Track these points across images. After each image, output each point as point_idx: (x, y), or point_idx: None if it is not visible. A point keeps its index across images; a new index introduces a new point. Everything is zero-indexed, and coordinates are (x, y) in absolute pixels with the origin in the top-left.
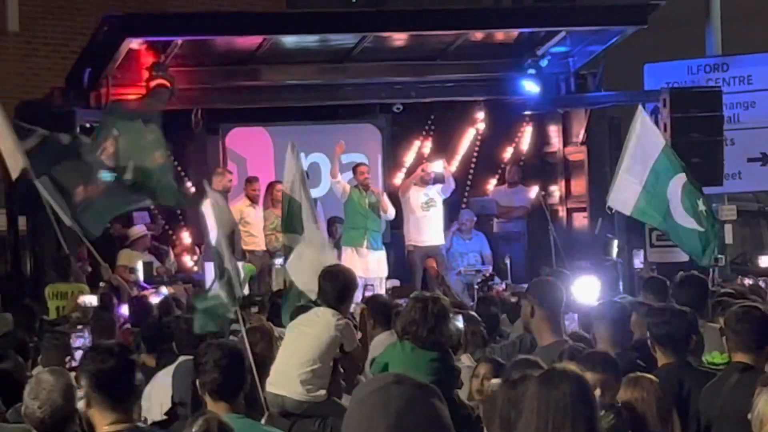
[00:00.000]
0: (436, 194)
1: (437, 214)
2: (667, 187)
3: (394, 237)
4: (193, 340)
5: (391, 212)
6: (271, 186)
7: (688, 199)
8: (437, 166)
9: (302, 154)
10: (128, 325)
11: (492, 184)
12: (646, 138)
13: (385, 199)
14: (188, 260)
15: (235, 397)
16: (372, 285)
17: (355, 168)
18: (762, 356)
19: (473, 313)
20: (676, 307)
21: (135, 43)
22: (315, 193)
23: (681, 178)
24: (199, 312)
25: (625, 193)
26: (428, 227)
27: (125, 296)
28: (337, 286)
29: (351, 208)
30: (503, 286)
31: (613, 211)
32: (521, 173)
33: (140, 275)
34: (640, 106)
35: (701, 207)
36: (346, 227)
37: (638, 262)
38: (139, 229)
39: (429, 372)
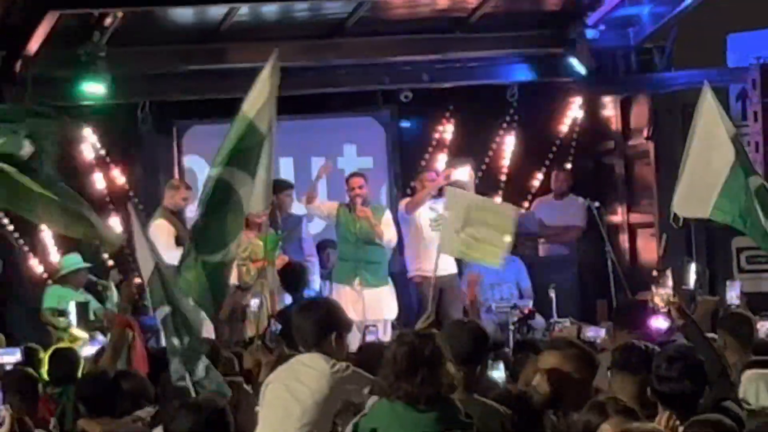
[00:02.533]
0: (444, 209)
1: None
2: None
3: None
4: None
5: (388, 237)
6: None
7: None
8: (463, 173)
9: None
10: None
11: (530, 192)
12: (713, 125)
13: (385, 218)
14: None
15: None
16: (374, 327)
17: (347, 180)
18: None
19: None
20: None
21: (60, 17)
22: (300, 209)
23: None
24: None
25: (698, 194)
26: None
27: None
28: (315, 319)
29: (340, 234)
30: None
31: (681, 222)
32: (572, 180)
33: (72, 319)
34: (705, 86)
35: None
36: (338, 258)
37: (734, 295)
38: (72, 260)
39: None
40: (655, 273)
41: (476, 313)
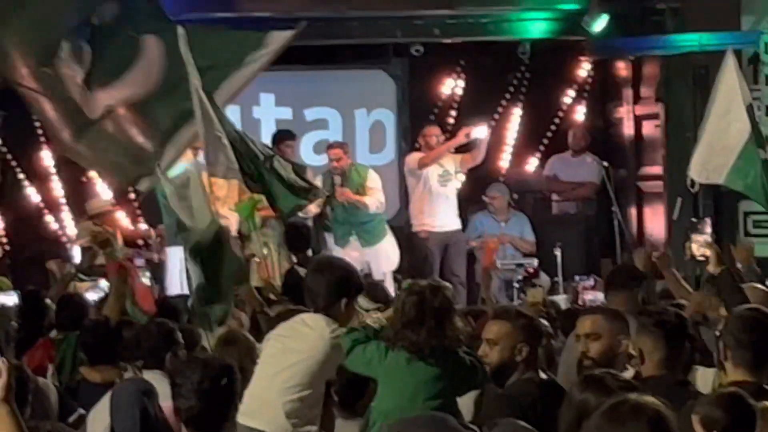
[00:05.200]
0: (452, 165)
1: (454, 191)
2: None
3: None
4: (160, 351)
5: (375, 205)
6: None
7: None
8: (481, 132)
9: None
10: (53, 333)
11: (539, 150)
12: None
13: (370, 182)
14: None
15: (218, 430)
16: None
17: (327, 149)
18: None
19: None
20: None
21: None
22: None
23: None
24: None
25: (715, 160)
26: (446, 207)
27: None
28: (329, 280)
29: (330, 200)
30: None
31: (696, 188)
32: (589, 137)
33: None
34: (729, 51)
35: None
36: (333, 219)
37: None
38: (104, 200)
39: (433, 394)
40: (694, 220)
41: (487, 281)
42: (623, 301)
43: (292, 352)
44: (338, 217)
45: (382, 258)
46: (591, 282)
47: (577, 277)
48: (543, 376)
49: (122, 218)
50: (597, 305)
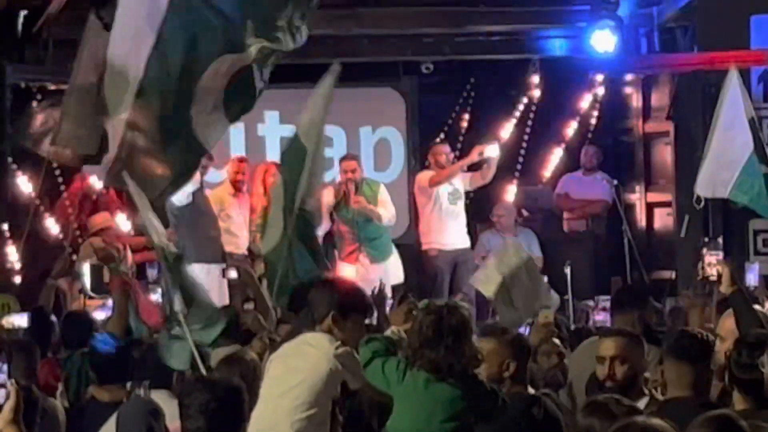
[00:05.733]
0: (461, 183)
1: (462, 209)
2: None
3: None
4: (167, 370)
5: (387, 217)
6: (263, 169)
7: None
8: (493, 150)
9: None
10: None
11: (549, 168)
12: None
13: (381, 197)
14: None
15: None
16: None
17: (340, 161)
18: None
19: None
20: None
21: None
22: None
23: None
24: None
25: (720, 174)
26: (455, 225)
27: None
28: (332, 299)
29: (339, 214)
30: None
31: (702, 203)
32: (602, 155)
33: (86, 282)
34: (732, 68)
35: None
36: (339, 236)
37: (752, 277)
38: (103, 217)
39: (450, 415)
40: (706, 239)
41: None
42: (630, 321)
43: (296, 371)
44: (346, 233)
45: (390, 274)
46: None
47: (597, 297)
48: (531, 391)
49: (126, 226)
50: (613, 327)
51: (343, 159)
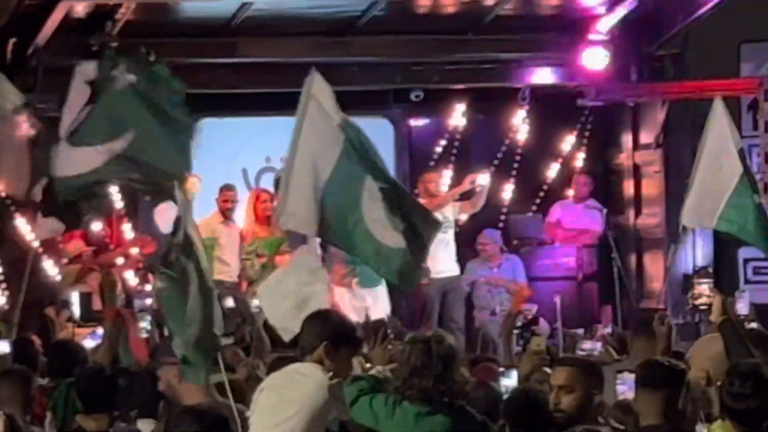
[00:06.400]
0: (450, 211)
1: (452, 237)
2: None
3: None
4: (154, 400)
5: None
6: (254, 195)
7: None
8: (484, 179)
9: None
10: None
11: (539, 197)
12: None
13: None
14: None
15: None
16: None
17: None
18: None
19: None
20: None
21: (72, 6)
22: None
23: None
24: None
25: (706, 204)
26: (445, 254)
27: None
28: (324, 331)
29: None
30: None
31: (689, 234)
32: (593, 185)
33: (75, 310)
34: (717, 98)
35: None
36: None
37: (741, 306)
38: (74, 245)
39: None
40: (697, 267)
41: (510, 327)
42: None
43: (289, 402)
44: (337, 255)
45: (380, 302)
46: (609, 330)
47: (598, 326)
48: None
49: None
50: (572, 356)
51: None
